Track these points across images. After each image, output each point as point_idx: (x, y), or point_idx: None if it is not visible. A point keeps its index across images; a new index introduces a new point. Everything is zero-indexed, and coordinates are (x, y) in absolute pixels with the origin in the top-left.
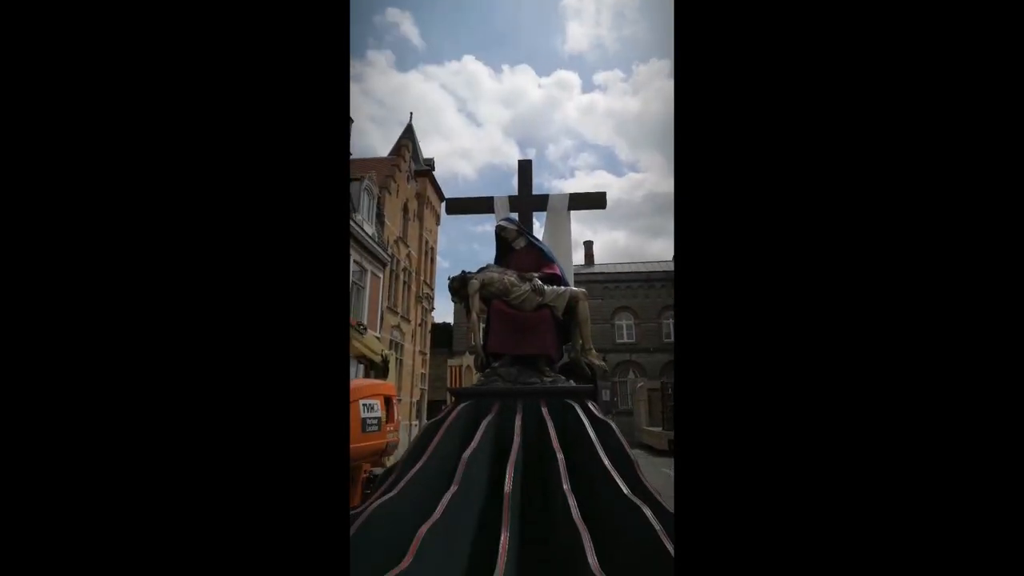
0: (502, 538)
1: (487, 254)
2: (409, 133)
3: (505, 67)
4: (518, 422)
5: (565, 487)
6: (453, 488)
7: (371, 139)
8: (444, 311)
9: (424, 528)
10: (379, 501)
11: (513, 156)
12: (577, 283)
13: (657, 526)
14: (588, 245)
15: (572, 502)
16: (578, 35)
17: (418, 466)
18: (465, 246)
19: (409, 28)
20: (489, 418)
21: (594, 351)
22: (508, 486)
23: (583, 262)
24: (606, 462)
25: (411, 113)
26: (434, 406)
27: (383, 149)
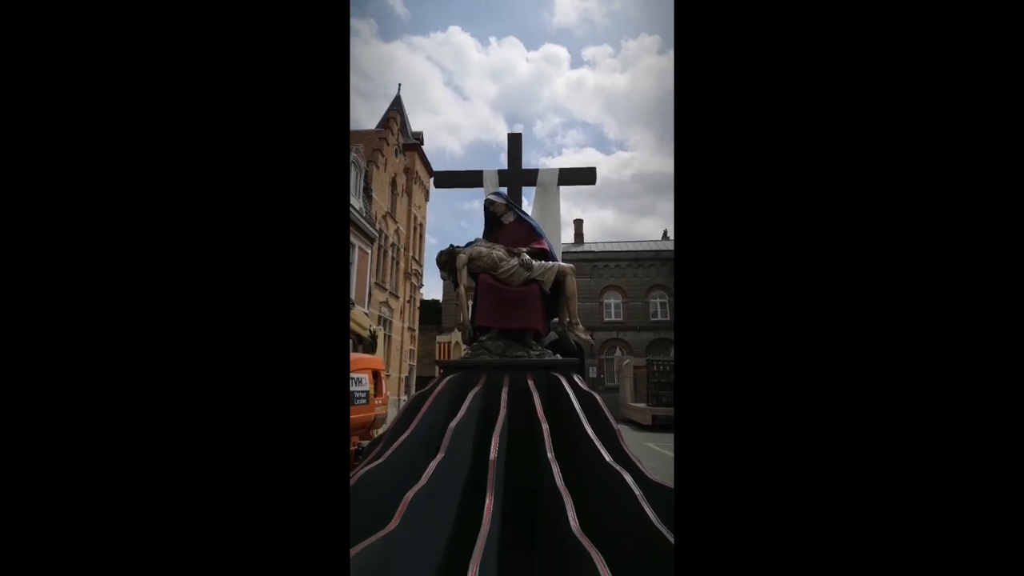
0: (487, 502)
1: (475, 232)
2: (397, 105)
3: (492, 39)
4: (504, 393)
5: (549, 455)
6: (440, 456)
7: (356, 111)
8: (433, 288)
9: (411, 493)
10: (367, 467)
11: (501, 132)
12: (566, 262)
13: (637, 491)
14: (578, 224)
15: (556, 469)
16: (566, 8)
17: (405, 435)
18: (453, 223)
19: None
20: (476, 390)
21: (580, 326)
22: (493, 453)
23: (572, 241)
24: (589, 431)
25: (399, 84)
26: (423, 382)
27: (369, 122)
